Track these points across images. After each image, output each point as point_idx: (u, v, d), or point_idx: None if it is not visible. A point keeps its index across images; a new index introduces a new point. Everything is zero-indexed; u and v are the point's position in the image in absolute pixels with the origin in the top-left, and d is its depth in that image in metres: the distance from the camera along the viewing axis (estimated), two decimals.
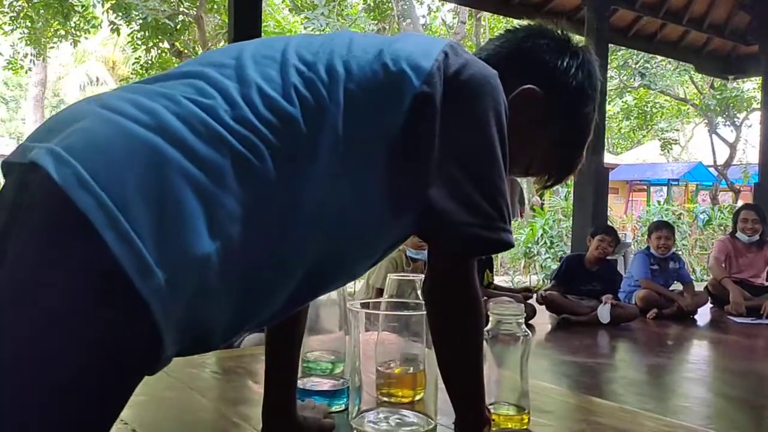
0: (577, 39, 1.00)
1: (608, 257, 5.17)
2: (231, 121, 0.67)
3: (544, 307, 4.85)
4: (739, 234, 5.61)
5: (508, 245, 0.79)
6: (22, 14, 10.20)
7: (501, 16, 13.16)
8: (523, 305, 0.98)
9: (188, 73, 0.73)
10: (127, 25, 10.43)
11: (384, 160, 0.76)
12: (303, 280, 0.75)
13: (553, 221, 9.61)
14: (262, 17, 5.13)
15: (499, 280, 6.63)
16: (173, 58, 10.52)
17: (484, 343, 0.97)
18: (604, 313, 4.71)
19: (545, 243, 9.32)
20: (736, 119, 16.01)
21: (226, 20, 8.00)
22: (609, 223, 6.79)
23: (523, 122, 0.90)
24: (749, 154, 16.79)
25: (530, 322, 4.30)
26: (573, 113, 0.97)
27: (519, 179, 14.12)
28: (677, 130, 20.53)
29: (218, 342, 0.73)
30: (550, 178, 1.00)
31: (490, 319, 0.98)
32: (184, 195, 0.62)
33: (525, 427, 0.95)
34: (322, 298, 1.07)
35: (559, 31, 0.99)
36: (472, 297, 0.80)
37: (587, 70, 0.97)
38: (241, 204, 0.66)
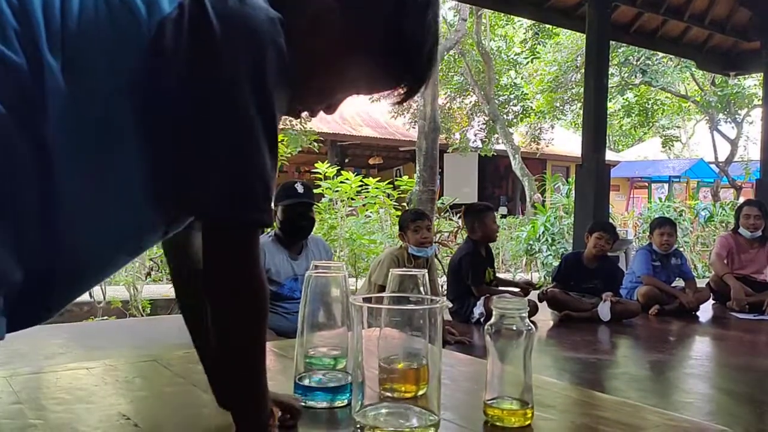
0: None
1: (608, 254, 5.16)
2: None
3: (545, 303, 4.84)
4: (741, 230, 5.60)
5: (262, 224, 0.75)
6: None
7: (502, 13, 13.16)
8: (526, 299, 0.97)
9: None
10: None
11: (131, 123, 0.71)
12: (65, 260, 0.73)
13: (555, 218, 9.59)
14: None
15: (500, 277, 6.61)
16: None
17: (487, 337, 0.97)
18: (604, 310, 4.70)
19: (546, 240, 9.31)
20: (737, 116, 16.02)
21: None
22: (610, 220, 6.78)
23: (326, 44, 0.84)
24: (750, 151, 16.81)
25: (532, 318, 4.29)
26: (387, 25, 0.86)
27: (520, 176, 14.00)
28: (678, 127, 20.53)
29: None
30: (404, 91, 0.91)
31: (493, 313, 0.97)
32: None
33: (528, 421, 0.95)
34: (325, 293, 1.06)
35: None
36: (245, 284, 0.76)
37: None
38: None
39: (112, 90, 0.71)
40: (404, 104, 0.94)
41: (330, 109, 0.94)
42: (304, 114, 0.95)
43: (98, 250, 0.78)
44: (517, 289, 4.74)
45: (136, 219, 0.79)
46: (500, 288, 4.69)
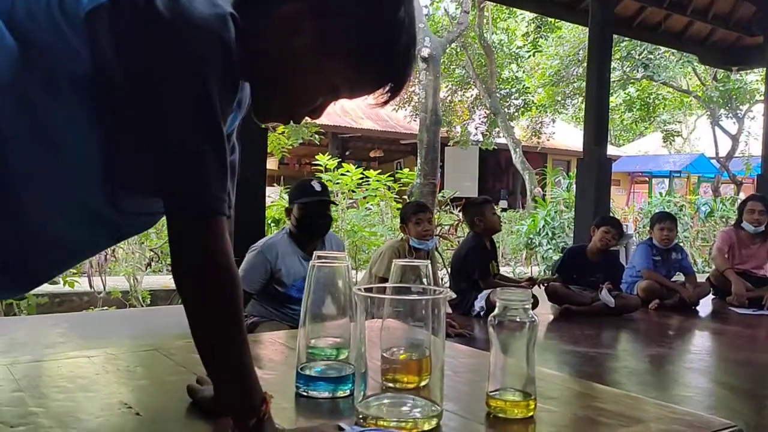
0: None
1: (611, 248, 5.15)
2: None
3: (545, 297, 4.84)
4: (744, 224, 5.59)
5: (211, 208, 0.77)
6: None
7: (504, 6, 13.12)
8: (530, 291, 0.96)
9: None
10: None
11: (77, 105, 0.75)
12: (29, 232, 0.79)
13: (555, 212, 9.59)
14: None
15: (501, 271, 6.62)
16: None
17: (490, 329, 0.96)
18: (608, 297, 4.69)
19: (547, 234, 9.31)
20: (738, 111, 15.99)
21: None
22: (611, 214, 6.77)
23: (297, 48, 0.84)
24: (752, 146, 16.79)
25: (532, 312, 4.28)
26: (358, 27, 0.84)
27: (520, 170, 13.99)
28: (680, 121, 20.48)
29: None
30: (386, 91, 0.90)
31: (497, 305, 0.97)
32: None
33: (531, 413, 0.95)
34: (328, 284, 1.06)
35: None
36: (204, 264, 0.77)
37: None
38: None
39: (59, 70, 0.74)
40: (389, 102, 0.92)
41: (314, 113, 0.93)
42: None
43: (58, 224, 0.82)
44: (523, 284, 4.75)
45: (93, 194, 0.82)
46: (503, 282, 4.69)
